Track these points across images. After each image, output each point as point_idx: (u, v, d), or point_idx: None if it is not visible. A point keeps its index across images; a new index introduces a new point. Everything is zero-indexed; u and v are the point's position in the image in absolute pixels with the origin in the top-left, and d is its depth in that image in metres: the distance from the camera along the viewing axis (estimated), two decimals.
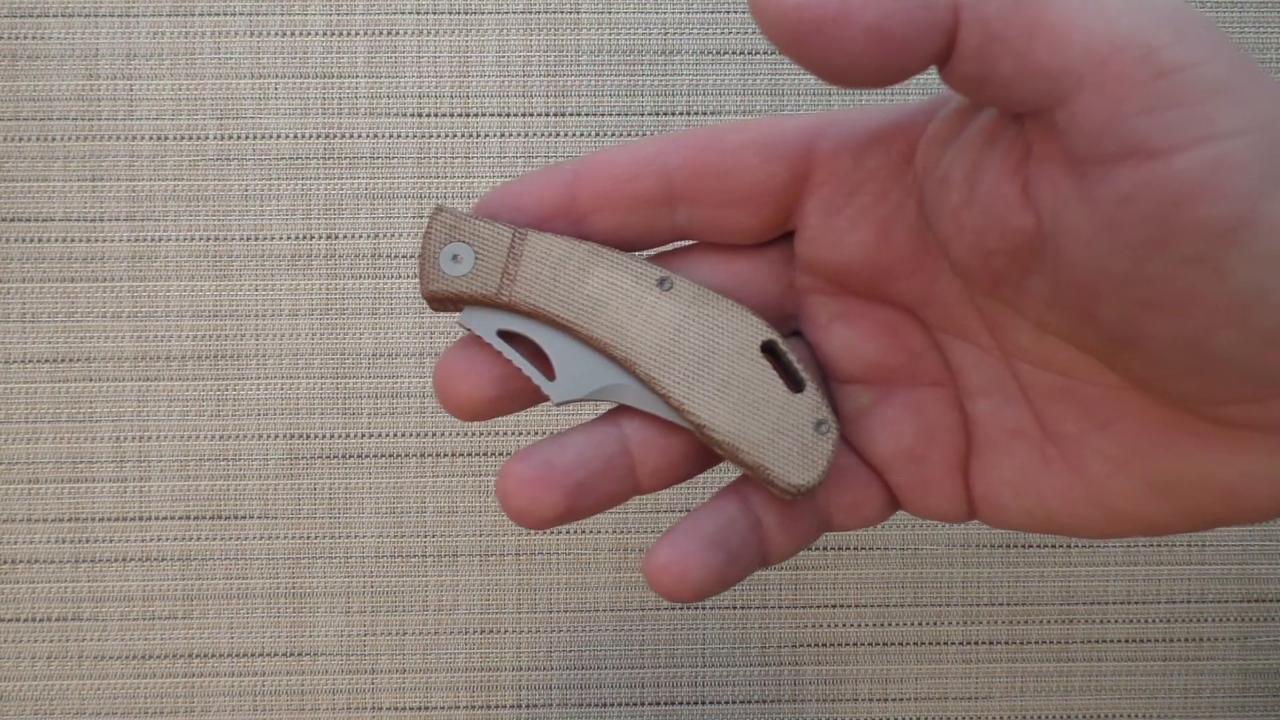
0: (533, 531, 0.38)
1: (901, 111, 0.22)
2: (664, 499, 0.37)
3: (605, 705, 0.37)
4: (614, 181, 0.23)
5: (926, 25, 0.18)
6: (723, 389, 0.22)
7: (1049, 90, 0.18)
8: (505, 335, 0.23)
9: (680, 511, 0.37)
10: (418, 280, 0.23)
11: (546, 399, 0.24)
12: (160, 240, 0.37)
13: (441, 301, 0.23)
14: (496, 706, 0.37)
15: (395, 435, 0.37)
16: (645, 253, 0.24)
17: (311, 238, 0.37)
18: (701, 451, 0.24)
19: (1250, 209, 0.17)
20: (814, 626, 0.37)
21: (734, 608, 0.37)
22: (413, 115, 0.37)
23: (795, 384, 0.23)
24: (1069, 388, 0.21)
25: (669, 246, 0.24)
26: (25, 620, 0.37)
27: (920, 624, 0.37)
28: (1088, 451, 0.21)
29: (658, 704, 0.37)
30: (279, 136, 0.37)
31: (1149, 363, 0.19)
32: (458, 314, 0.24)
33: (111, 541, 0.37)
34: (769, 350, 0.23)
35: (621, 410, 0.23)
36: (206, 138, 0.37)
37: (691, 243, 0.24)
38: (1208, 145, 0.17)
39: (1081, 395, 0.21)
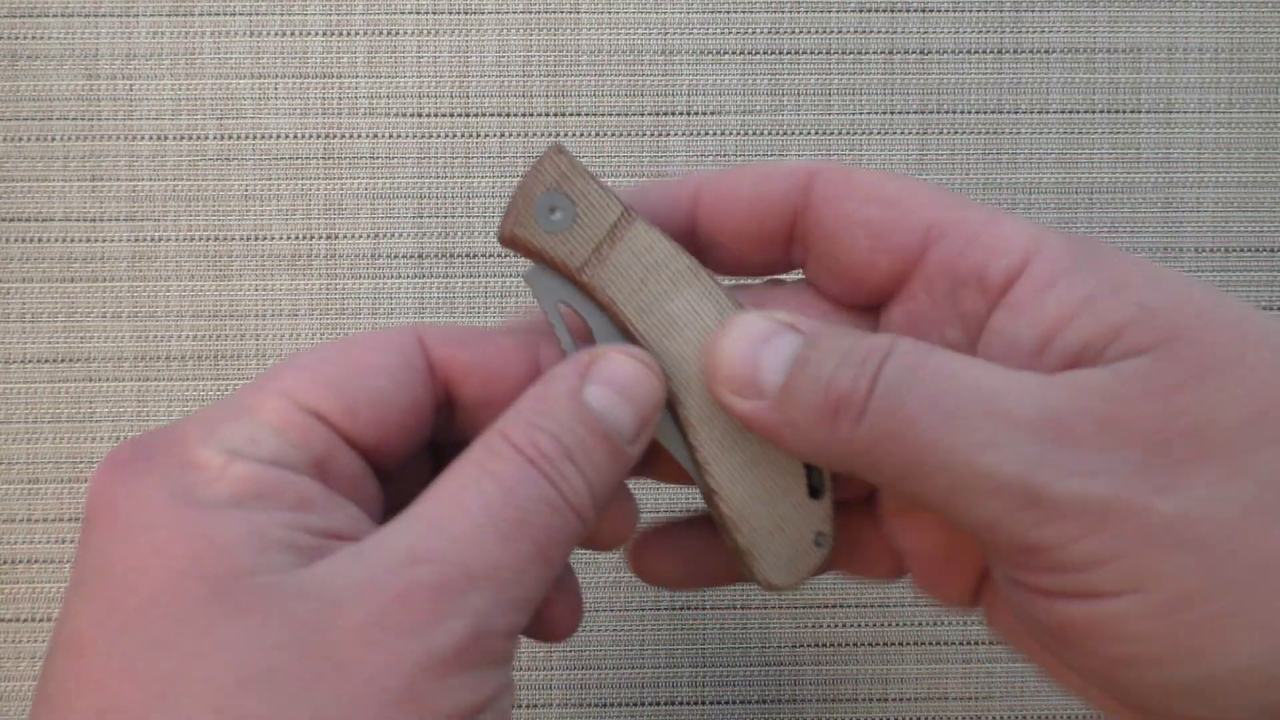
0: None
1: (1014, 263, 0.20)
2: (669, 503, 0.37)
3: (605, 705, 0.37)
4: (738, 220, 0.22)
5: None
6: (750, 466, 0.22)
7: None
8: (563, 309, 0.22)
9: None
10: (502, 217, 0.21)
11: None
12: (160, 240, 0.37)
13: (516, 246, 0.22)
14: None
15: None
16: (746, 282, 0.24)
17: (311, 238, 0.37)
18: None
19: (1143, 649, 0.18)
20: (814, 626, 0.37)
21: (734, 608, 0.37)
22: (413, 115, 0.37)
23: (814, 490, 0.22)
24: None
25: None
26: (25, 620, 0.37)
27: (920, 624, 0.37)
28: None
29: (658, 704, 0.37)
30: (279, 136, 0.37)
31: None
32: (527, 266, 0.22)
33: None
34: None
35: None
36: (206, 138, 0.37)
37: (802, 277, 0.23)
38: (1090, 602, 0.18)
39: None
